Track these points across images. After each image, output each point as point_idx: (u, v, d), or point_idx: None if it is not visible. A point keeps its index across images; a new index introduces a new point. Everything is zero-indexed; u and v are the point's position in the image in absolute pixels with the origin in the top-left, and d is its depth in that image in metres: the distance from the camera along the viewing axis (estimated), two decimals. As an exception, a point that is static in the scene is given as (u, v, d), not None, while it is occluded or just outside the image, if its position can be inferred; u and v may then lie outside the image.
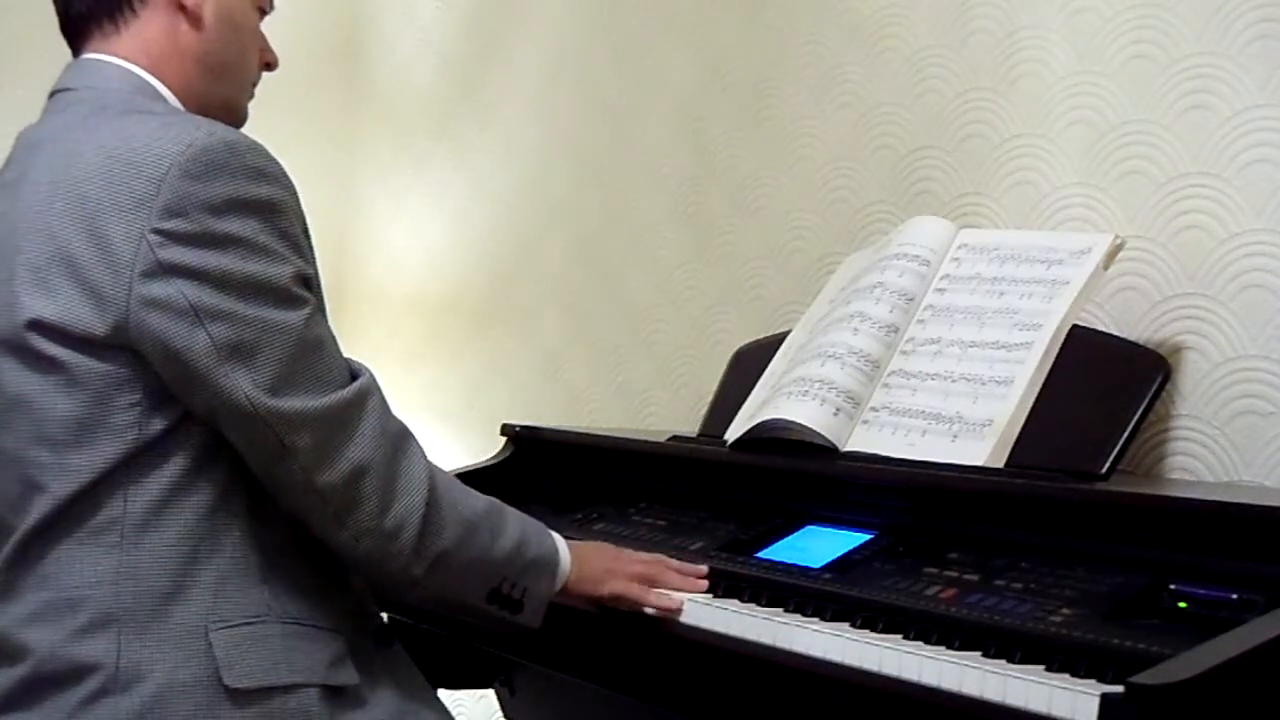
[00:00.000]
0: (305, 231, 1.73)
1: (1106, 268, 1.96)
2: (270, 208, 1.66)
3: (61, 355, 1.63)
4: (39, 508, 1.64)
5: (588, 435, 2.42)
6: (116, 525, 1.64)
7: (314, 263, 1.74)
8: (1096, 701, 1.32)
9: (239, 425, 1.65)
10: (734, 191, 2.80)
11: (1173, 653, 1.38)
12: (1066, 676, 1.44)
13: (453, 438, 3.36)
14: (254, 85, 1.89)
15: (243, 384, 1.62)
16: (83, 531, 1.64)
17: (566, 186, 3.21)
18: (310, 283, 1.71)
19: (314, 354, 1.67)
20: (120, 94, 1.74)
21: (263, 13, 1.88)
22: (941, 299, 2.05)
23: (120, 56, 1.77)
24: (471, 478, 2.17)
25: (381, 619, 1.83)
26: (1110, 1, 2.18)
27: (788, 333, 2.26)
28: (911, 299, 2.07)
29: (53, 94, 1.80)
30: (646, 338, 2.98)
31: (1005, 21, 2.33)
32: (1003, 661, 1.50)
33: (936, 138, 2.43)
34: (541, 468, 2.36)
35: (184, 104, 1.79)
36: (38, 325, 1.63)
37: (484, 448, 2.43)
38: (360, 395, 1.69)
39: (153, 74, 1.77)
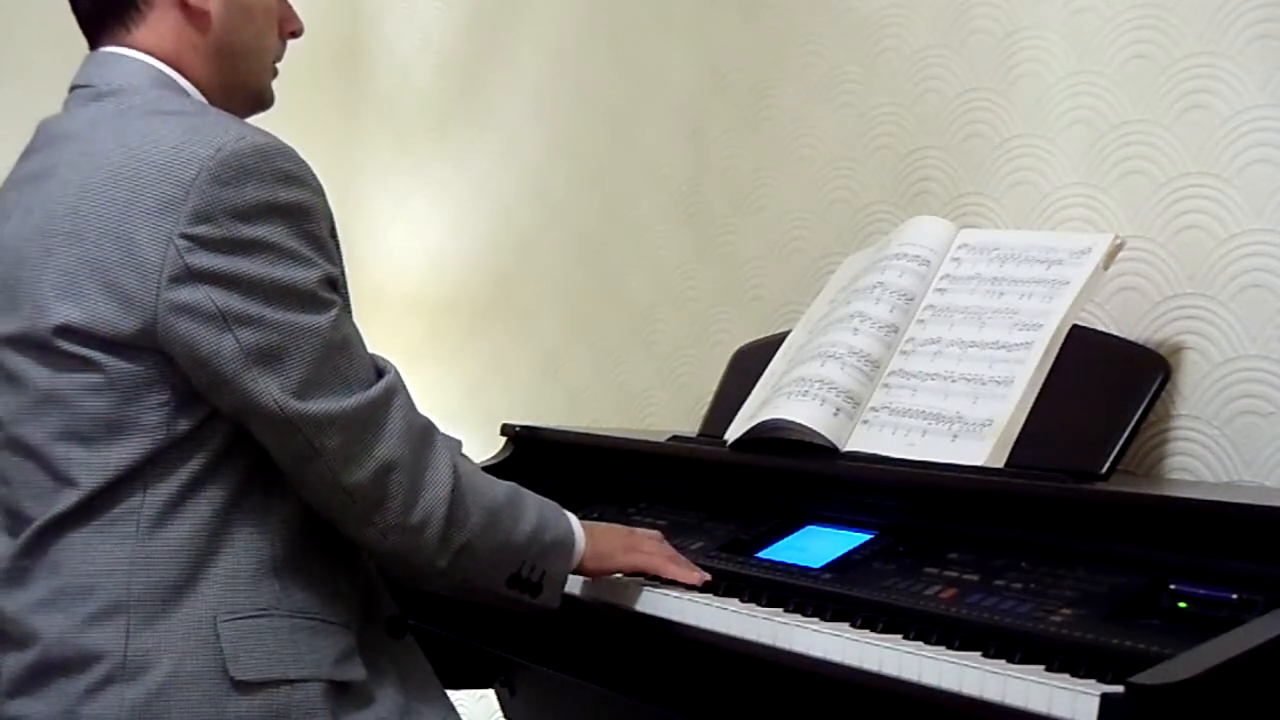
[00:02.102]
0: (333, 232, 1.74)
1: (1106, 268, 1.96)
2: (298, 212, 1.67)
3: (92, 355, 1.64)
4: (65, 500, 1.66)
5: (588, 435, 2.42)
6: (133, 516, 1.65)
7: (340, 263, 1.75)
8: (1096, 701, 1.32)
9: (267, 428, 1.66)
10: (734, 191, 2.80)
11: (1173, 653, 1.38)
12: (1066, 676, 1.44)
13: (453, 438, 3.35)
14: (277, 59, 1.87)
15: (270, 388, 1.63)
16: (99, 521, 1.65)
17: (566, 186, 3.21)
18: (336, 284, 1.72)
19: (340, 356, 1.68)
20: (143, 91, 1.74)
21: None
22: (941, 299, 2.05)
23: (137, 49, 1.77)
24: (471, 478, 2.17)
25: (395, 610, 1.83)
26: (1110, 1, 2.18)
27: (788, 333, 2.26)
28: (911, 299, 2.07)
29: (73, 88, 1.80)
30: (646, 338, 2.98)
31: (1005, 21, 2.33)
32: (1003, 661, 1.50)
33: (936, 138, 2.43)
34: (541, 468, 2.36)
35: (205, 93, 1.78)
36: (65, 330, 1.64)
37: (484, 448, 2.43)
38: (386, 394, 1.70)
39: (171, 66, 1.77)
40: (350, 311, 1.75)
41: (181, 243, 1.62)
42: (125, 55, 1.77)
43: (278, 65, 1.88)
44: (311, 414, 1.65)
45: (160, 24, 1.77)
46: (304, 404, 1.64)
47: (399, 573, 1.80)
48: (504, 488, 1.82)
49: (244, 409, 1.65)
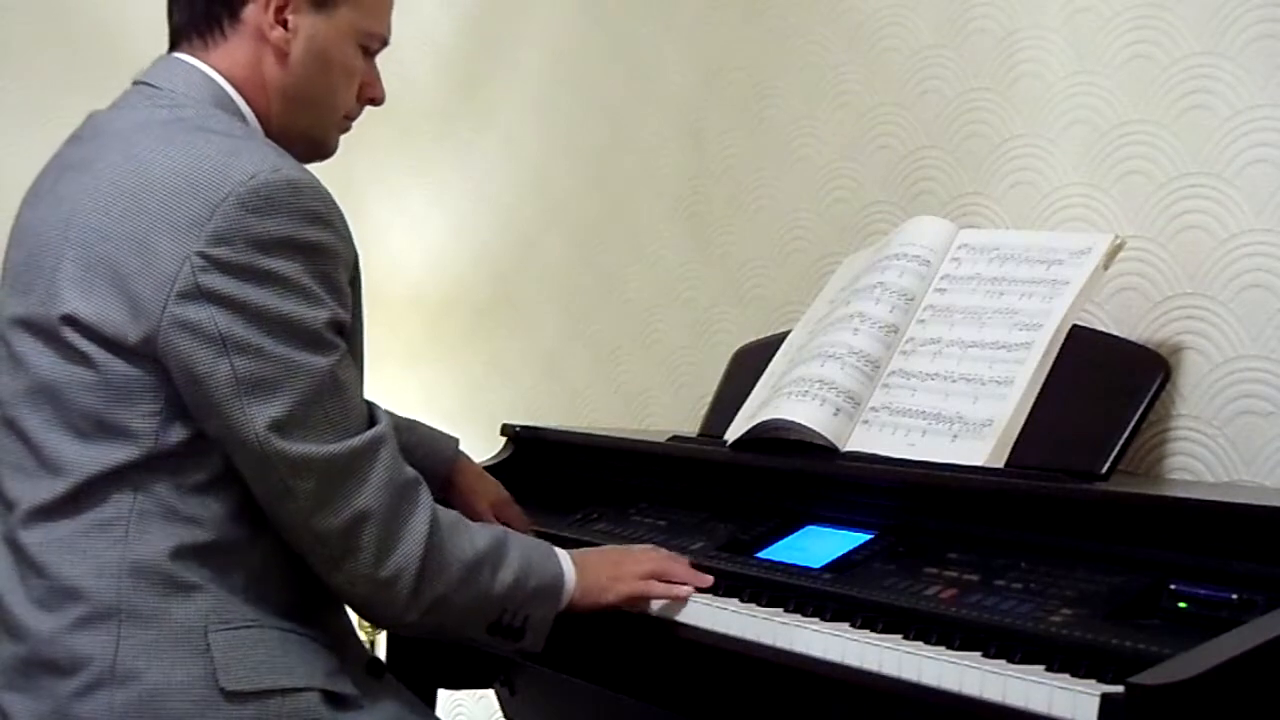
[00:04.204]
0: (354, 280, 1.74)
1: (1106, 268, 1.96)
2: (318, 251, 1.67)
3: (92, 352, 1.65)
4: (50, 489, 1.66)
5: (588, 435, 2.43)
6: (122, 521, 1.65)
7: (358, 310, 1.74)
8: (1096, 701, 1.32)
9: (246, 459, 1.66)
10: (734, 191, 2.80)
11: (1173, 653, 1.38)
12: (1066, 676, 1.44)
13: (453, 438, 3.35)
14: (350, 119, 1.88)
15: (255, 421, 1.63)
16: (88, 520, 1.66)
17: (566, 186, 3.21)
18: (343, 329, 1.71)
19: (331, 399, 1.67)
20: (199, 104, 1.75)
21: (369, 50, 1.86)
22: (941, 299, 2.05)
23: (210, 65, 1.78)
24: (472, 478, 2.17)
25: (371, 654, 1.83)
26: (1110, 1, 2.18)
27: (788, 333, 2.26)
28: (911, 299, 2.07)
29: (136, 83, 1.80)
30: (646, 338, 2.98)
31: (1005, 21, 2.33)
32: (1003, 661, 1.50)
33: (936, 138, 2.43)
34: (541, 468, 2.36)
35: (264, 126, 1.79)
36: (71, 320, 1.66)
37: (484, 448, 2.43)
38: (371, 445, 1.69)
39: (237, 90, 1.78)
40: (361, 357, 1.75)
41: (197, 260, 1.62)
42: (194, 66, 1.78)
43: (350, 122, 1.88)
44: (289, 455, 1.64)
45: (238, 51, 1.78)
46: (285, 443, 1.64)
47: (368, 618, 1.81)
48: (486, 537, 1.78)
49: (227, 436, 1.65)
